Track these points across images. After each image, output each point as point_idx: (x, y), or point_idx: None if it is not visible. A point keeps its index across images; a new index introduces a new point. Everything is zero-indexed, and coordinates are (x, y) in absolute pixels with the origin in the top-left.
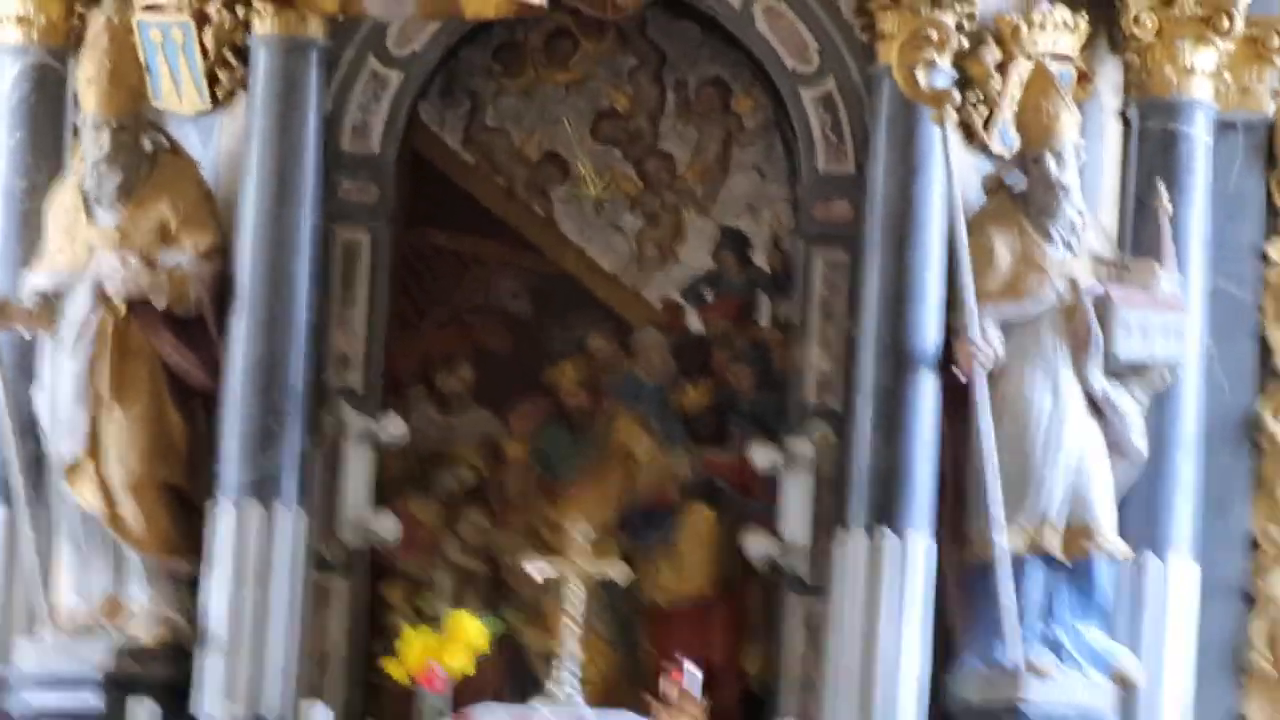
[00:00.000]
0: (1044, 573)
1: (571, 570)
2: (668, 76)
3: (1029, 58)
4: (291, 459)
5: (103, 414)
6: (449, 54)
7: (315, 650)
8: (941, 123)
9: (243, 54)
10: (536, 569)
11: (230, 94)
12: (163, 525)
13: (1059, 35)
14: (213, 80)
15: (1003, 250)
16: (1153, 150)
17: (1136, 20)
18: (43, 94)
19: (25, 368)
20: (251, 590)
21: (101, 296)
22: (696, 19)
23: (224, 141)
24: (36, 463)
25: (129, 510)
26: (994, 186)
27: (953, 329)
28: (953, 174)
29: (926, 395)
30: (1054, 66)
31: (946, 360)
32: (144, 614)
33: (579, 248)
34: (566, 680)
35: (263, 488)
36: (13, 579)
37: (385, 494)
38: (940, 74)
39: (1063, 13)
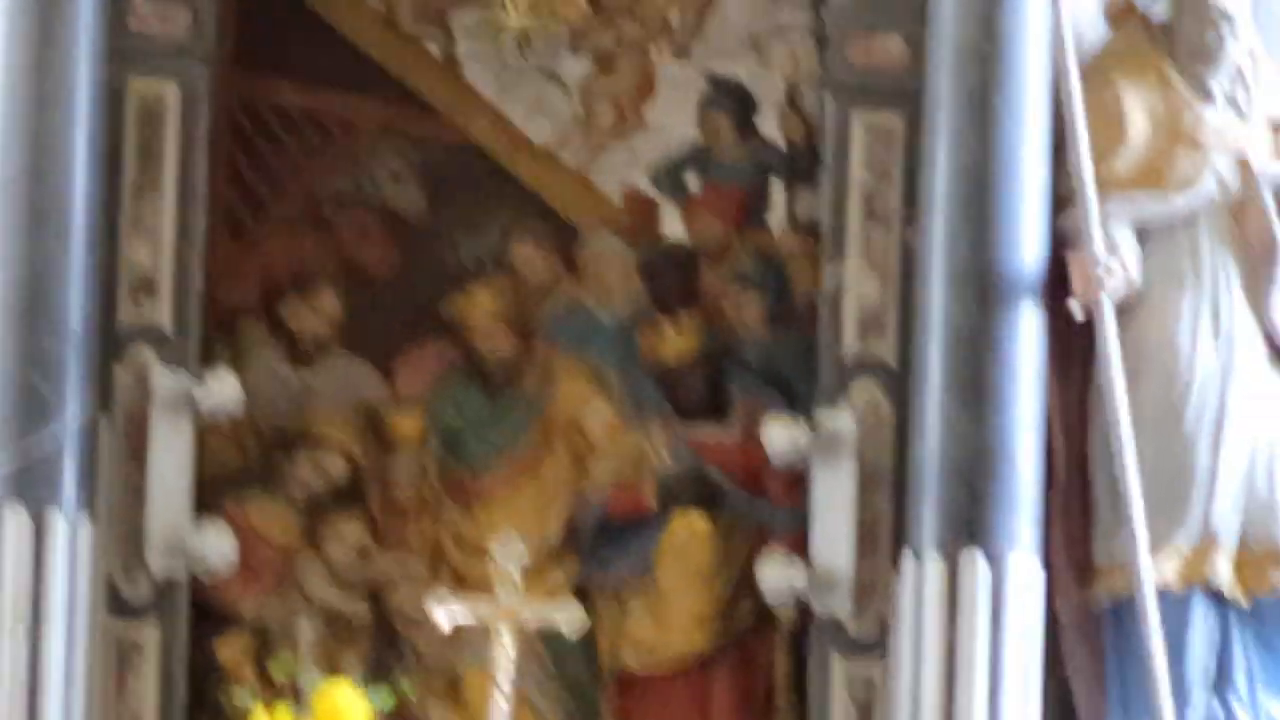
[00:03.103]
0: (1213, 619)
1: (498, 616)
2: None
3: None
4: (71, 440)
5: None
6: None
7: None
8: None
9: None
10: (445, 614)
11: None
12: None
13: None
14: None
15: (1137, 114)
16: None
17: None
18: None
19: None
20: (16, 645)
21: None
22: None
23: None
24: None
25: None
26: (1121, 14)
27: (1063, 236)
28: None
29: (1026, 340)
30: None
31: (1055, 285)
32: None
33: (494, 108)
34: None
35: (27, 485)
36: None
37: (212, 494)
38: None
39: None
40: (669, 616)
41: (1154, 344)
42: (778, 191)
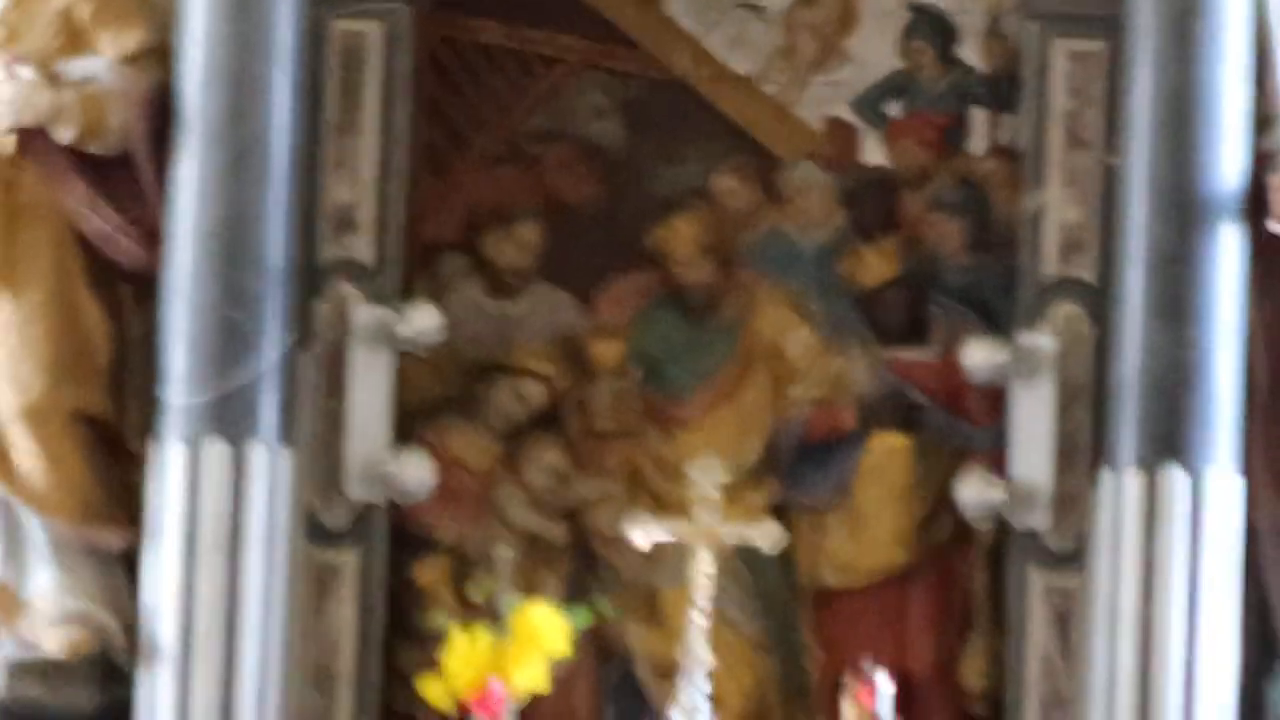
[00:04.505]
0: None
1: (697, 535)
2: None
3: None
4: (270, 373)
5: None
6: None
7: (312, 660)
8: None
9: None
10: (644, 534)
11: None
12: (78, 476)
13: None
14: None
15: None
16: None
17: None
18: None
19: None
20: (215, 573)
21: None
22: None
23: None
24: None
25: (25, 452)
26: None
27: (1265, 158)
28: None
29: (1226, 259)
30: None
31: (1256, 206)
32: (52, 611)
33: (695, 40)
34: (694, 701)
35: (228, 417)
36: None
37: (412, 423)
38: None
39: None
40: (867, 534)
41: None
42: (979, 118)
